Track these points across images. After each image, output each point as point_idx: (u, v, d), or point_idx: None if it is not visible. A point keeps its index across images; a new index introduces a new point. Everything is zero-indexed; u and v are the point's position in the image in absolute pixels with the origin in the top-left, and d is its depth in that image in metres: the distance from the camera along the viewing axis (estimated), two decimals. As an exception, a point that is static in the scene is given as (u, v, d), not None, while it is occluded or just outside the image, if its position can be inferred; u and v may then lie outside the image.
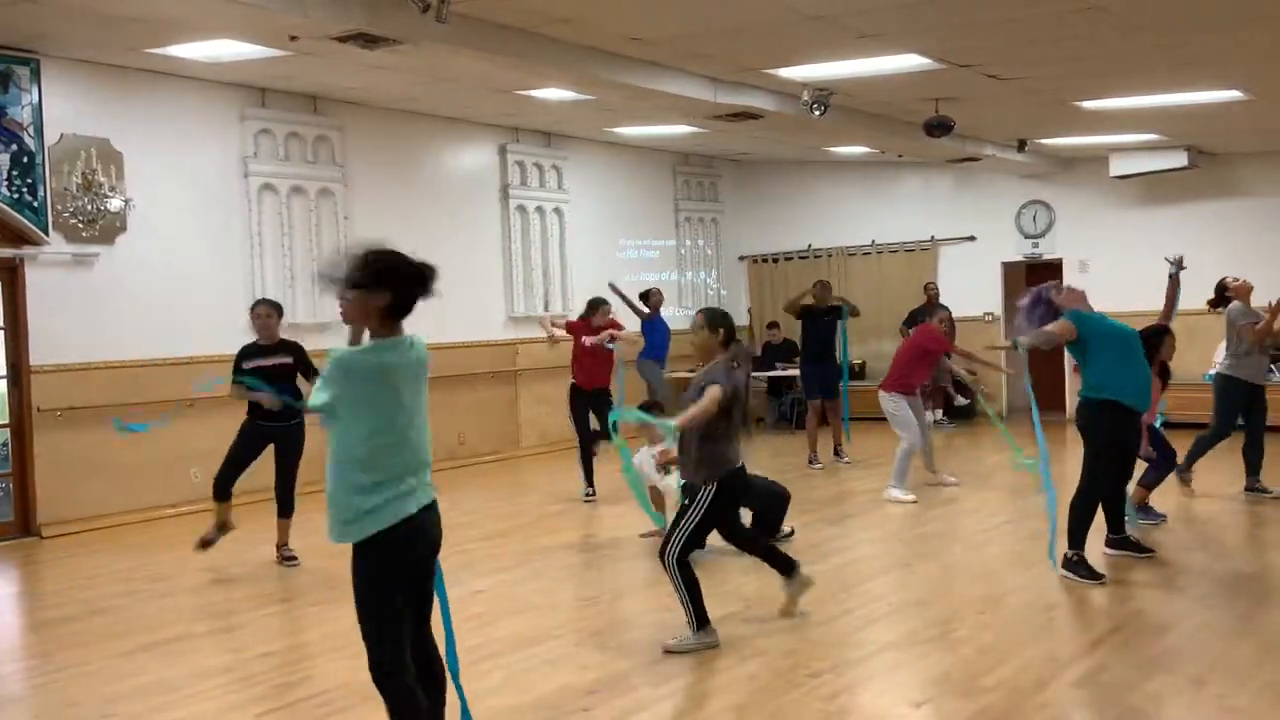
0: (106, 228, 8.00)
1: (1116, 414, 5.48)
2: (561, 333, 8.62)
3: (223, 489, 6.28)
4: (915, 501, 7.75)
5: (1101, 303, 12.85)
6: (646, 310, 10.50)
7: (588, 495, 8.27)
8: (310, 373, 6.26)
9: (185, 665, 4.76)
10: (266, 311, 6.40)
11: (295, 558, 6.43)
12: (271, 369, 6.25)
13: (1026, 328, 5.65)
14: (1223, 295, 7.70)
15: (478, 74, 7.86)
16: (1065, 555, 5.56)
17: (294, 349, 6.39)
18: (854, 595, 5.43)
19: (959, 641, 4.66)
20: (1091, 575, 5.46)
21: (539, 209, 11.54)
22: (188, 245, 8.63)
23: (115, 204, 7.90)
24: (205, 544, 6.30)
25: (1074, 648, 4.59)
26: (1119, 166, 11.65)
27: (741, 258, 14.40)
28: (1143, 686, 4.18)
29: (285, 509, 6.44)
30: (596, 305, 8.58)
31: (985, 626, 4.89)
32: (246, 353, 6.34)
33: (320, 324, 9.50)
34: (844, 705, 4.00)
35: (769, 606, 5.19)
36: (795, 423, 12.67)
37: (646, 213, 13.07)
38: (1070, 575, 5.50)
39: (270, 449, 6.36)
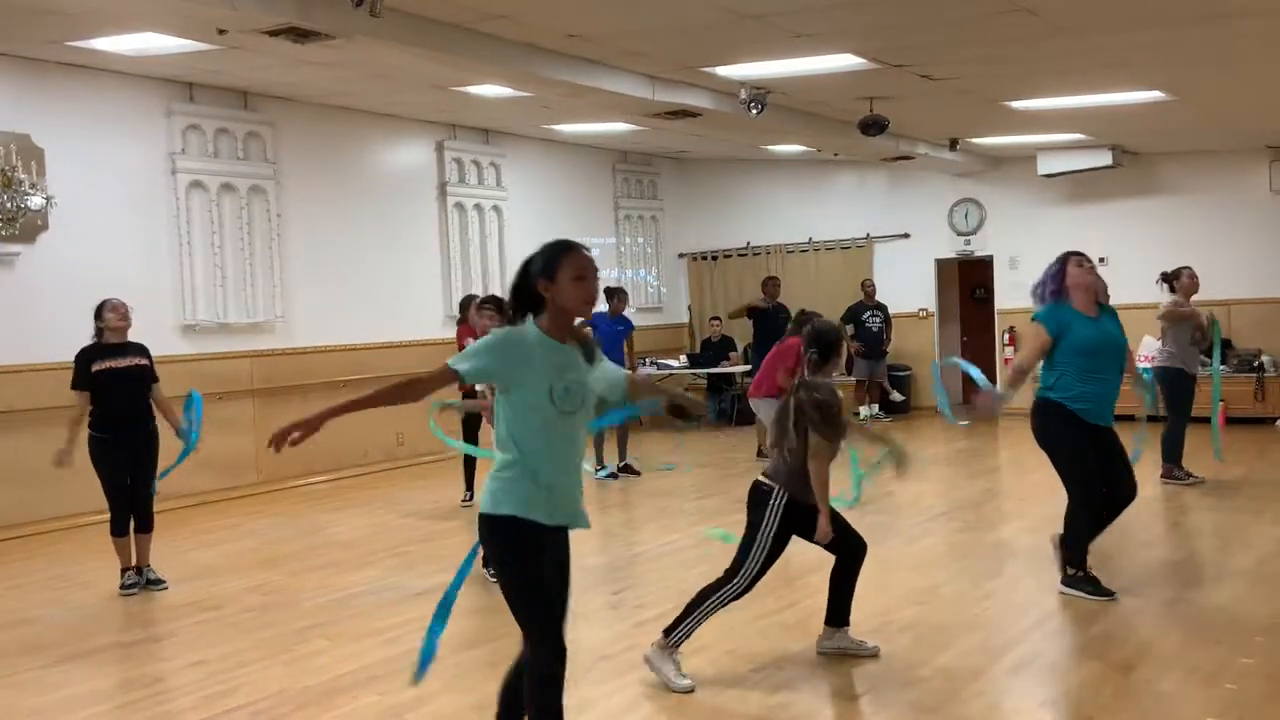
0: (27, 226, 7.74)
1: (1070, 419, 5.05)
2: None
3: (123, 525, 5.86)
4: None
5: (1030, 299, 13.05)
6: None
7: (465, 501, 8.16)
8: (155, 376, 5.92)
9: (114, 675, 4.64)
10: (123, 304, 5.88)
11: (164, 580, 5.92)
12: (127, 370, 5.79)
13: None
14: (1170, 284, 7.94)
15: (413, 70, 7.76)
16: (1066, 572, 5.19)
17: (144, 349, 5.93)
18: (795, 589, 5.47)
19: (897, 632, 4.73)
20: (1098, 591, 5.05)
21: (477, 206, 11.45)
22: (113, 244, 8.40)
23: (36, 202, 7.65)
24: (128, 588, 5.85)
25: (1008, 636, 4.69)
26: (1046, 165, 11.93)
27: (681, 255, 14.44)
28: (1074, 673, 4.29)
29: (148, 523, 5.91)
30: (467, 304, 8.26)
31: (922, 617, 4.97)
32: (94, 354, 5.78)
33: (252, 324, 9.33)
34: (785, 699, 4.03)
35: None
36: (734, 419, 12.75)
37: (586, 210, 13.04)
38: (1072, 591, 5.14)
39: (133, 457, 5.84)
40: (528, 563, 2.96)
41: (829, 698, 4.06)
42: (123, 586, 5.88)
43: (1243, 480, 8.03)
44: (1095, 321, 5.09)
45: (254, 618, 5.36)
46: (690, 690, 4.04)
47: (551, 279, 2.93)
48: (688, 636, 4.17)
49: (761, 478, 4.34)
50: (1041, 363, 5.17)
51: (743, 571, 4.19)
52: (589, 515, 3.14)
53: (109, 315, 5.85)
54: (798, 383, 4.32)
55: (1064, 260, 5.15)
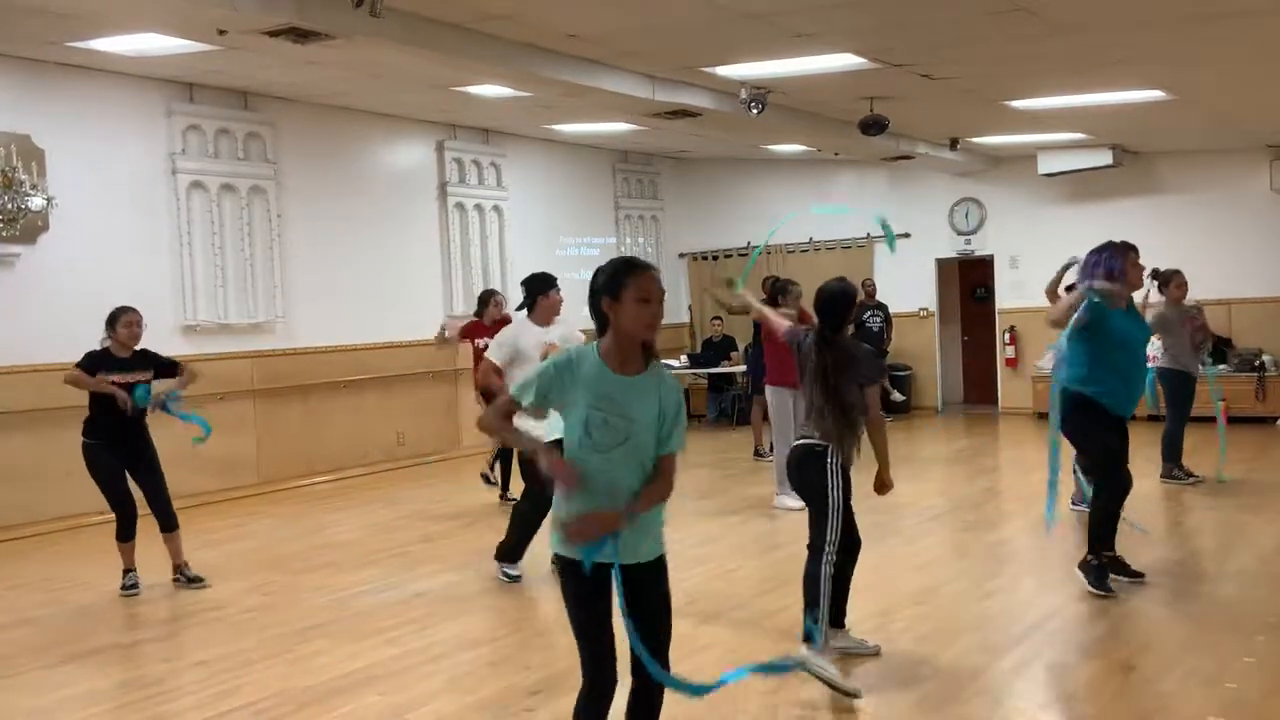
0: (28, 227, 7.74)
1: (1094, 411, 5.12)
2: (453, 334, 8.53)
3: (127, 530, 5.87)
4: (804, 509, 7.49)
5: (1031, 298, 13.04)
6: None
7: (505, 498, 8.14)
8: (166, 370, 5.92)
9: (115, 676, 4.64)
10: (139, 319, 5.82)
11: (203, 578, 5.98)
12: (130, 386, 5.76)
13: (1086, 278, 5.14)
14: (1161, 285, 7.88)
15: (413, 70, 7.76)
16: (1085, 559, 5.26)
17: (149, 361, 5.90)
18: (794, 589, 5.45)
19: (897, 632, 4.73)
20: (1100, 585, 5.11)
21: (478, 206, 11.45)
22: (114, 245, 8.40)
23: (37, 202, 7.65)
24: (129, 589, 5.88)
25: (1008, 636, 4.69)
26: (1047, 164, 11.92)
27: (681, 255, 14.44)
28: (1075, 672, 4.29)
29: (171, 521, 5.94)
30: (487, 298, 8.27)
31: (923, 617, 4.97)
32: (101, 363, 5.74)
33: (253, 324, 9.33)
34: (785, 698, 4.03)
35: (710, 602, 5.22)
36: (735, 419, 12.75)
37: (586, 210, 13.05)
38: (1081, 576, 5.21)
39: (130, 461, 5.87)
40: (568, 597, 2.87)
41: (829, 698, 4.06)
42: (124, 587, 5.88)
43: (1243, 480, 8.03)
44: (1128, 316, 5.15)
45: (255, 618, 5.36)
46: (858, 694, 3.97)
47: (615, 298, 2.78)
48: (826, 631, 4.16)
49: (810, 440, 4.26)
50: (1066, 352, 5.14)
51: (828, 540, 4.18)
52: (660, 546, 2.94)
53: (121, 331, 5.82)
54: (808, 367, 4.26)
55: (1124, 256, 5.11)
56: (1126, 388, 5.10)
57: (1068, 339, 5.06)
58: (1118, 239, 5.30)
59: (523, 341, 5.67)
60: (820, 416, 4.23)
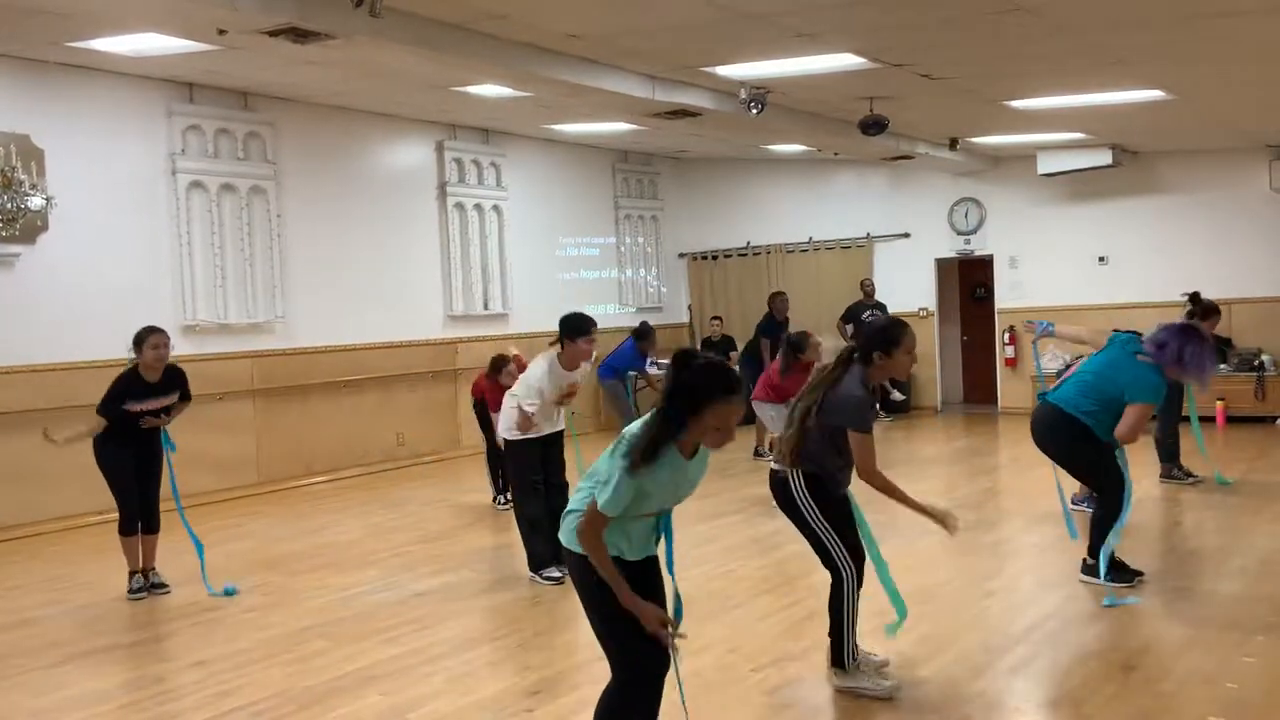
0: (27, 227, 7.74)
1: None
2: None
3: (131, 524, 5.86)
4: None
5: (1030, 298, 13.10)
6: None
7: (500, 504, 8.07)
8: (187, 397, 5.93)
9: (115, 676, 4.65)
10: (166, 340, 5.79)
11: (166, 585, 5.93)
12: (156, 411, 5.79)
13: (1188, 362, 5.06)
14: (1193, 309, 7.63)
15: (413, 70, 7.75)
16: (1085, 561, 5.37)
17: (178, 381, 5.87)
18: (796, 589, 5.48)
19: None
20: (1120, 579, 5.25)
21: (477, 206, 11.45)
22: (113, 245, 8.40)
23: (36, 202, 7.63)
24: (136, 593, 5.86)
25: (1008, 636, 4.69)
26: (1046, 164, 11.92)
27: (681, 255, 14.44)
28: (1075, 672, 4.29)
29: (155, 524, 5.94)
30: (500, 365, 7.95)
31: (922, 617, 4.96)
32: (132, 391, 5.73)
33: (252, 324, 9.34)
34: (786, 698, 4.04)
35: (710, 602, 5.22)
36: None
37: (586, 210, 13.05)
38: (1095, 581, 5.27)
39: (137, 463, 5.87)
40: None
41: (829, 698, 4.06)
42: (131, 591, 5.85)
43: (1243, 480, 8.03)
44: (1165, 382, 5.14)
45: (255, 618, 5.36)
46: (896, 690, 3.98)
47: (696, 414, 2.92)
48: (856, 650, 4.07)
49: (774, 465, 4.18)
50: (1085, 387, 5.20)
51: (839, 565, 4.04)
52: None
53: (148, 353, 5.76)
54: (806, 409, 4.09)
55: (1202, 347, 5.04)
56: (1116, 423, 5.09)
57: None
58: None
59: (548, 386, 5.68)
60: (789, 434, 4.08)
